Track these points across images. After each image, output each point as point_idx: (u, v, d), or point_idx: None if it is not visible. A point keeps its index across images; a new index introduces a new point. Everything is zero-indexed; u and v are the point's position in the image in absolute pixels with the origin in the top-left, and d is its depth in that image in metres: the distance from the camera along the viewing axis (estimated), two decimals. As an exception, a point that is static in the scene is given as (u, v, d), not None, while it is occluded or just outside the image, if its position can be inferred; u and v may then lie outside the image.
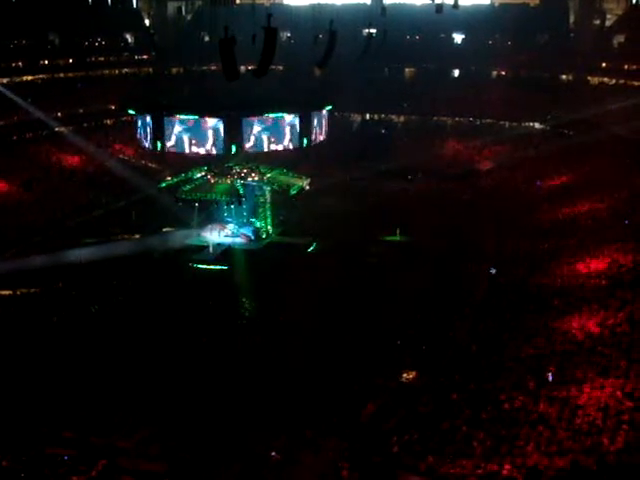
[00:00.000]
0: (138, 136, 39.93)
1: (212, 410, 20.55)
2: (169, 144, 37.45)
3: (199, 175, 39.68)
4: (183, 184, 38.62)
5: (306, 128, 38.10)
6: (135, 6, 69.71)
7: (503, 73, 65.21)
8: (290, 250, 36.92)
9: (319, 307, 27.88)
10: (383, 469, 16.59)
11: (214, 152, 37.78)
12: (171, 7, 71.16)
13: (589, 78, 59.51)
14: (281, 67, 61.13)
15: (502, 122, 59.87)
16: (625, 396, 16.89)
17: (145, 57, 65.18)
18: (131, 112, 40.66)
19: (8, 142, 48.94)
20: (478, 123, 61.07)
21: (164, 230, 39.18)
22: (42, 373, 22.52)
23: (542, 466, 14.74)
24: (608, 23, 63.56)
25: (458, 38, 67.86)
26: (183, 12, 71.06)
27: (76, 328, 26.51)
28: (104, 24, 61.84)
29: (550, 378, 18.93)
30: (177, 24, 72.23)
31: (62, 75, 58.70)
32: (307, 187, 40.17)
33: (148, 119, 37.76)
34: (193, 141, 37.13)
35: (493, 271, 31.26)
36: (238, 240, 38.02)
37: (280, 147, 38.44)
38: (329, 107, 41.53)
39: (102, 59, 62.28)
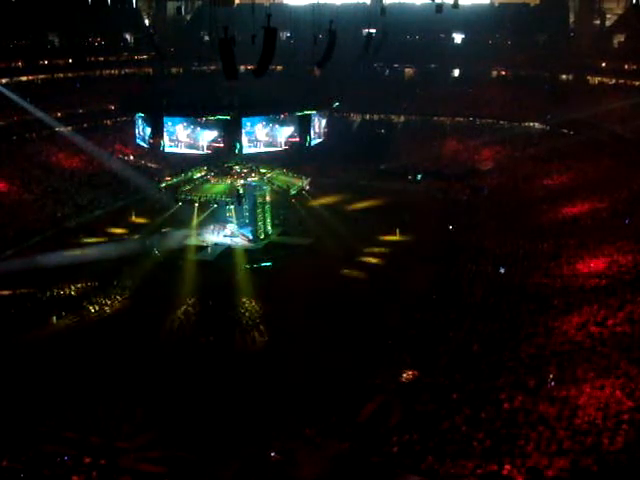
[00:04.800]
0: (137, 136, 39.90)
1: (211, 410, 20.57)
2: (168, 144, 37.40)
3: (199, 175, 39.65)
4: (183, 184, 38.60)
5: (305, 128, 38.05)
6: (135, 6, 69.62)
7: (503, 73, 65.20)
8: (290, 250, 36.96)
9: (318, 306, 27.93)
10: (383, 469, 16.58)
11: (213, 152, 37.73)
12: (171, 7, 71.02)
13: (589, 78, 59.47)
14: (281, 67, 61.16)
15: (502, 122, 59.87)
16: (625, 396, 16.89)
17: (145, 57, 65.11)
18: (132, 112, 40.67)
19: (8, 142, 48.90)
20: (478, 123, 61.06)
21: (164, 230, 39.17)
22: (42, 373, 22.52)
23: (542, 466, 14.75)
24: (608, 23, 63.53)
25: (458, 38, 67.79)
26: (183, 12, 70.87)
27: (75, 328, 26.55)
28: (104, 24, 61.79)
29: (551, 382, 18.91)
30: (177, 24, 72.16)
31: (62, 75, 58.68)
32: (307, 187, 40.14)
33: (148, 119, 37.74)
34: (192, 141, 37.08)
35: (502, 270, 31.23)
36: (237, 240, 38.02)
37: (280, 147, 38.40)
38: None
39: (102, 59, 62.24)
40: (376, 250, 36.39)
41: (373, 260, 35.08)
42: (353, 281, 31.94)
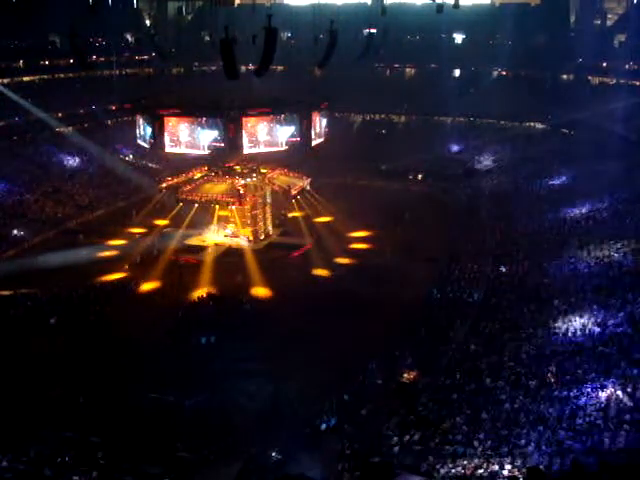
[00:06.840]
0: (138, 136, 39.87)
1: (212, 409, 20.59)
2: (169, 144, 37.35)
3: (199, 175, 39.64)
4: (183, 184, 38.59)
5: (306, 128, 37.97)
6: (135, 6, 69.72)
7: (503, 73, 65.23)
8: (290, 250, 36.96)
9: (319, 306, 27.90)
10: (383, 469, 16.58)
11: (214, 153, 37.69)
12: (172, 7, 71.18)
13: (589, 78, 59.50)
14: (281, 67, 61.24)
15: (502, 122, 59.89)
16: (625, 396, 16.88)
17: (146, 57, 65.14)
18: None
19: (8, 142, 48.92)
20: (478, 123, 61.06)
21: (164, 230, 39.18)
22: (42, 373, 22.54)
23: (543, 466, 14.76)
24: (609, 22, 63.63)
25: (458, 38, 67.93)
26: (184, 12, 71.07)
27: (76, 328, 26.55)
28: (104, 24, 61.72)
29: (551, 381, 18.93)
30: (178, 24, 72.23)
31: (62, 75, 58.73)
32: (307, 187, 40.13)
33: (148, 119, 37.69)
34: (193, 142, 37.02)
35: (503, 269, 31.22)
36: (237, 240, 38.01)
37: (280, 147, 38.32)
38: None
39: (103, 59, 62.26)
40: (377, 250, 36.37)
41: (372, 259, 35.04)
42: (352, 280, 31.88)
